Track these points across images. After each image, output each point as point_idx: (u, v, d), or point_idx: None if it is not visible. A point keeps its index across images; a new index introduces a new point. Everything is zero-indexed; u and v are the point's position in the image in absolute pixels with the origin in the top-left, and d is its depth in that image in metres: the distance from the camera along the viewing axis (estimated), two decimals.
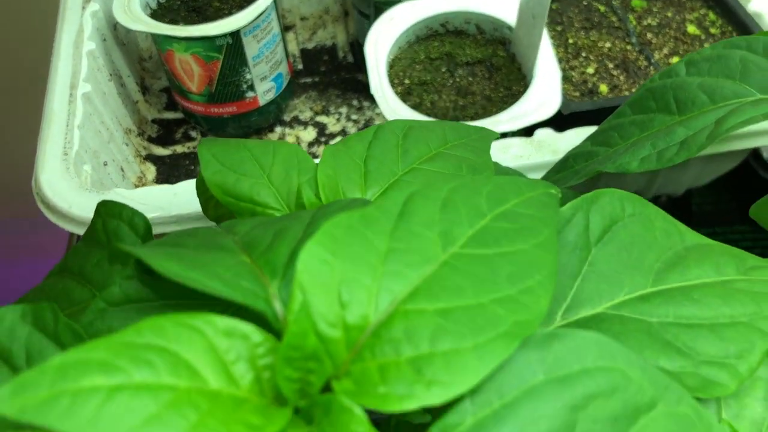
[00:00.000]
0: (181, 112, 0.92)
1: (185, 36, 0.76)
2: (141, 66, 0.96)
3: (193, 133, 0.91)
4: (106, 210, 0.46)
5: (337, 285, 0.30)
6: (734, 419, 0.36)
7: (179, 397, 0.27)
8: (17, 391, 0.26)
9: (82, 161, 0.69)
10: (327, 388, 0.29)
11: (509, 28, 0.78)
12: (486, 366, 0.28)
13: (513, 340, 0.28)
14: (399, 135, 0.49)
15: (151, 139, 0.90)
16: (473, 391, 0.28)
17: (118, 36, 0.88)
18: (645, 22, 0.84)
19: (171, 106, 0.94)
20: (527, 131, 0.70)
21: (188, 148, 0.89)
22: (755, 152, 0.81)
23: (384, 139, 0.47)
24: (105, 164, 0.74)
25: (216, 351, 0.28)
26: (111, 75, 0.83)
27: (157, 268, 0.30)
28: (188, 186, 0.64)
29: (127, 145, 0.83)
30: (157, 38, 0.80)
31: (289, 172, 0.44)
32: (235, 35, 0.79)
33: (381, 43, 0.77)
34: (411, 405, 0.27)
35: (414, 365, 0.28)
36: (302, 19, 1.03)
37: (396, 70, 0.78)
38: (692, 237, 0.42)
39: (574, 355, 0.29)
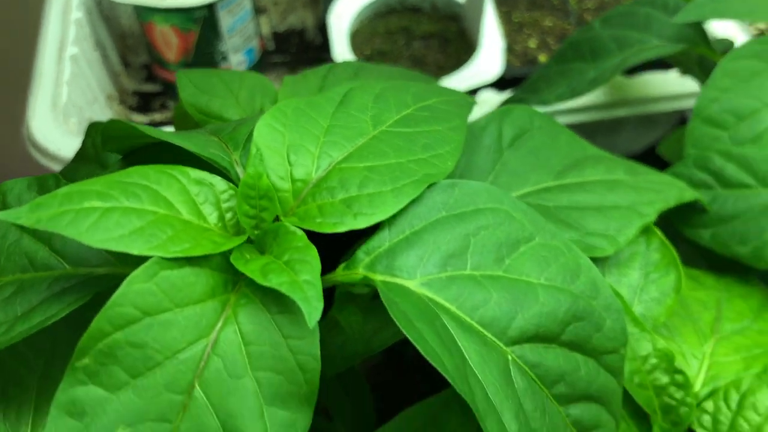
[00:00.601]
0: (160, 84, 0.99)
1: (165, 7, 0.84)
2: (123, 42, 1.03)
3: (171, 104, 0.98)
4: (95, 128, 0.53)
5: (286, 149, 0.38)
6: (615, 284, 0.44)
7: (158, 219, 0.34)
8: (33, 209, 0.33)
9: (69, 114, 0.76)
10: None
11: (460, 5, 0.87)
12: (401, 201, 0.35)
13: (422, 184, 0.36)
14: (351, 73, 0.56)
15: (131, 108, 0.97)
16: (390, 224, 0.36)
17: (102, 11, 0.95)
18: (584, 6, 0.93)
19: (150, 80, 1.02)
20: (473, 93, 0.78)
21: (166, 117, 0.96)
22: (683, 119, 0.90)
23: (338, 74, 0.55)
24: (90, 121, 0.82)
25: (188, 193, 0.36)
26: (96, 45, 0.90)
27: (146, 132, 0.37)
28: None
29: (109, 109, 0.91)
30: (139, 10, 0.87)
31: (254, 95, 0.52)
32: (211, 8, 0.86)
33: (344, 16, 0.85)
34: (342, 228, 0.35)
35: (345, 203, 0.36)
36: (275, 3, 1.11)
37: (357, 41, 0.86)
38: (593, 150, 0.50)
39: (469, 197, 0.36)
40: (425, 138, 0.39)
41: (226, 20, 0.89)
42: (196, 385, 0.32)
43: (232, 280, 0.35)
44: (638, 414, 0.42)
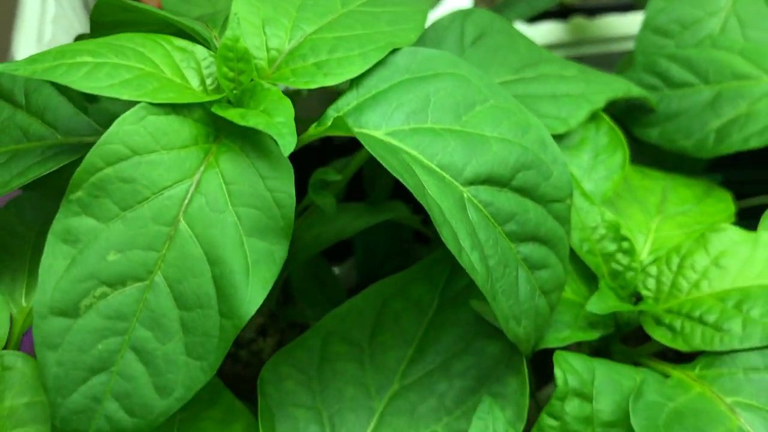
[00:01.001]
0: None
1: None
2: None
3: None
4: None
5: (261, 22, 0.41)
6: (570, 167, 0.48)
7: (145, 74, 0.37)
8: (30, 62, 0.36)
9: None
10: None
11: None
12: (367, 63, 0.39)
13: (387, 50, 0.40)
14: None
15: None
16: (358, 84, 0.39)
17: None
18: None
19: None
20: None
21: None
22: None
23: None
24: None
25: (172, 57, 0.39)
26: None
27: (137, 6, 0.40)
28: None
29: None
30: None
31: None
32: None
33: None
34: (313, 85, 0.38)
35: (316, 66, 0.39)
36: None
37: None
38: (549, 54, 0.54)
39: (430, 62, 0.40)
40: (390, 16, 0.43)
41: None
42: (181, 219, 0.36)
43: (213, 133, 0.38)
44: (588, 277, 0.46)
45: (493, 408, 0.38)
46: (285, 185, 0.37)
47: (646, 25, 0.56)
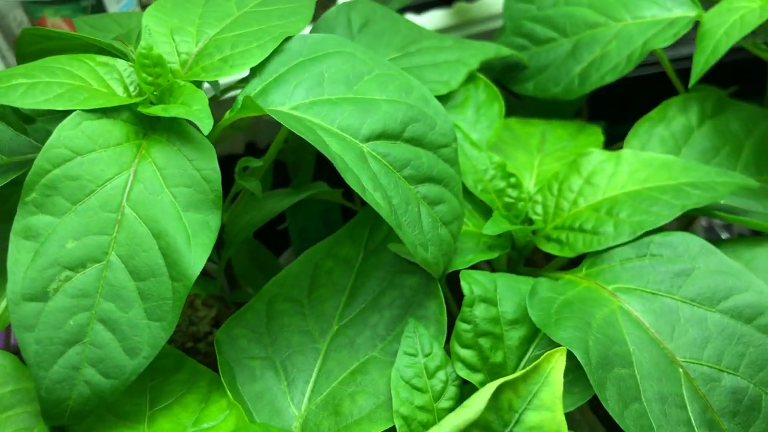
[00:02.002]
0: None
1: None
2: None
3: None
4: None
5: (170, 32, 0.47)
6: (455, 122, 0.55)
7: (75, 87, 0.43)
8: None
9: None
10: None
11: None
12: (265, 52, 0.46)
13: (280, 38, 0.46)
14: None
15: None
16: (260, 71, 0.46)
17: None
18: None
19: None
20: None
21: None
22: None
23: None
24: None
25: (96, 72, 0.45)
26: None
27: (59, 33, 0.46)
28: None
29: None
30: (29, 7, 0.95)
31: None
32: None
33: None
34: (221, 76, 0.45)
35: (222, 60, 0.46)
36: None
37: None
38: (428, 31, 0.62)
39: (320, 45, 0.47)
40: (280, 12, 0.49)
41: (112, 7, 0.97)
42: (125, 204, 0.41)
43: (141, 131, 0.44)
44: (486, 212, 0.53)
45: (417, 327, 0.45)
46: (209, 164, 0.43)
47: None
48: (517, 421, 0.35)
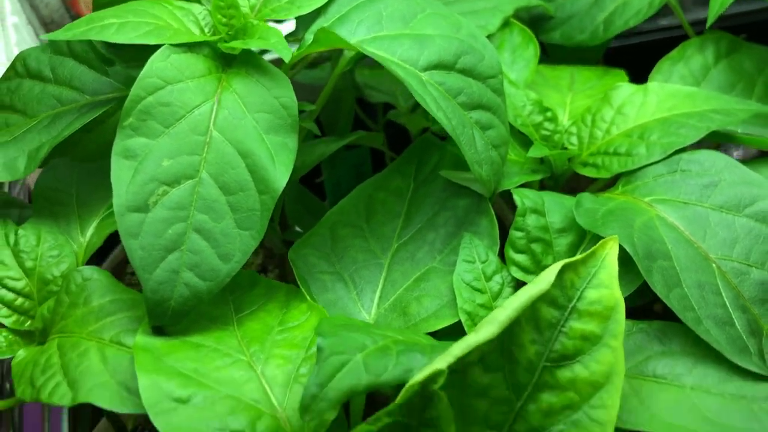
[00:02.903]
0: None
1: None
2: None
3: None
4: None
5: None
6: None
7: (159, 26, 0.47)
8: (68, 29, 0.46)
9: None
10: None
11: None
12: None
13: None
14: None
15: None
16: (324, 11, 0.51)
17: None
18: None
19: None
20: None
21: None
22: None
23: None
24: None
25: (174, 14, 0.49)
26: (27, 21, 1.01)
27: None
28: None
29: None
30: None
31: None
32: None
33: None
34: (290, 15, 0.49)
35: (289, 2, 0.50)
36: None
37: None
38: None
39: None
40: None
41: None
42: (212, 128, 0.46)
43: (221, 66, 0.48)
44: (526, 144, 0.58)
45: (473, 239, 0.50)
46: (286, 92, 0.47)
47: None
48: (579, 297, 0.39)
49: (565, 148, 0.57)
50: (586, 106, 0.59)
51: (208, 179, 0.45)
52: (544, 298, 0.39)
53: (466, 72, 0.50)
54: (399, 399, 0.35)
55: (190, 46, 0.47)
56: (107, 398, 0.42)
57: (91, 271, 0.48)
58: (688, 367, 0.43)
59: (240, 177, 0.45)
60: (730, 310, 0.44)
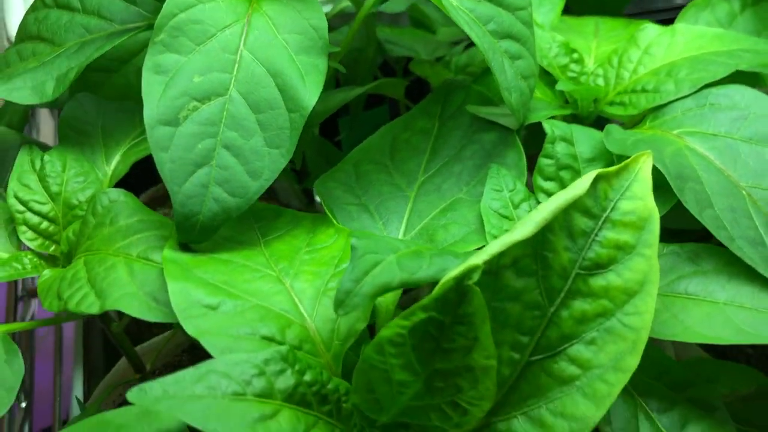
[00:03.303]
0: None
1: None
2: None
3: None
4: None
5: None
6: None
7: None
8: None
9: None
10: None
11: None
12: None
13: None
14: None
15: None
16: None
17: None
18: None
19: None
20: None
21: None
22: None
23: None
24: None
25: None
26: None
27: None
28: None
29: None
30: None
31: None
32: None
33: None
34: None
35: None
36: None
37: None
38: None
39: None
40: None
41: None
42: (242, 48, 0.46)
43: None
44: (552, 84, 0.58)
45: (500, 170, 0.49)
46: (317, 14, 0.47)
47: None
48: (613, 208, 0.39)
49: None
50: (612, 49, 0.59)
51: (238, 97, 0.45)
52: (578, 206, 0.39)
53: (495, 1, 0.50)
54: (434, 294, 0.34)
55: None
56: (135, 307, 0.42)
57: (117, 193, 0.48)
58: (721, 284, 0.42)
59: (270, 96, 0.45)
60: (761, 232, 0.44)
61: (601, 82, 0.57)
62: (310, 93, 0.45)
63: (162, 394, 0.31)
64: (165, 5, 0.45)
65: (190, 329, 0.39)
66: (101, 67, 0.57)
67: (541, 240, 0.38)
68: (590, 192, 0.39)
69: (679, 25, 0.57)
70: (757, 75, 0.56)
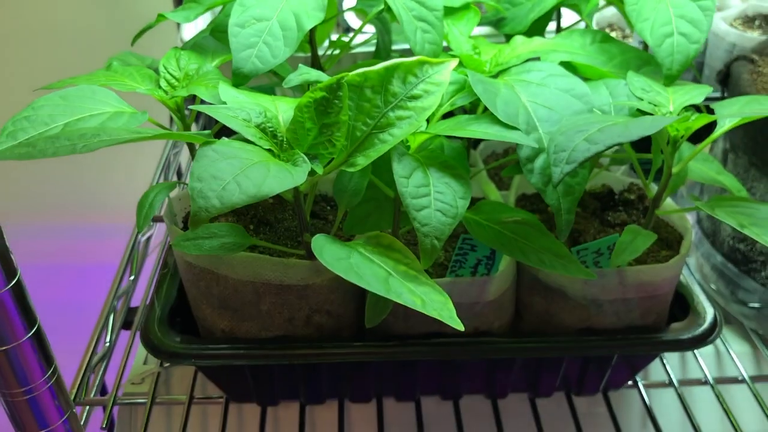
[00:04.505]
0: None
1: None
2: None
3: None
4: None
5: None
6: None
7: None
8: None
9: None
10: None
11: None
12: None
13: None
14: None
15: None
16: None
17: None
18: None
19: None
20: None
21: None
22: None
23: None
24: None
25: None
26: None
27: None
28: None
29: None
30: None
31: None
32: None
33: None
34: None
35: None
36: None
37: None
38: None
39: None
40: None
41: None
42: (284, 2, 0.93)
43: None
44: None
45: None
46: None
47: None
48: (427, 75, 0.80)
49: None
50: (500, 48, 1.02)
51: (275, 22, 0.91)
52: (410, 69, 0.81)
53: (421, 2, 0.95)
54: (326, 82, 0.77)
55: None
56: None
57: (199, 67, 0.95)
58: (478, 121, 0.82)
59: (290, 23, 0.91)
60: (525, 119, 0.84)
61: (486, 59, 0.99)
62: (309, 23, 0.91)
63: None
64: None
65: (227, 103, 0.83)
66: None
67: (386, 76, 0.80)
68: (416, 65, 0.81)
69: (536, 38, 0.99)
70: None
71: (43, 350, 0.88)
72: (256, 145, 0.75)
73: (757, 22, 1.61)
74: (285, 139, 0.79)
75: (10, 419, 0.91)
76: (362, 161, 0.77)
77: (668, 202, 1.00)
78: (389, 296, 0.68)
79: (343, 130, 0.77)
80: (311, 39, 1.03)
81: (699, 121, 0.78)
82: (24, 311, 0.84)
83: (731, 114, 0.79)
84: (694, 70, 1.11)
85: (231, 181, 0.66)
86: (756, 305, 1.22)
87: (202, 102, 0.88)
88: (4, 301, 0.81)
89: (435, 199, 0.74)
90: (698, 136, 0.85)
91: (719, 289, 1.30)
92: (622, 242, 0.80)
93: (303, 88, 0.97)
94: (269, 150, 0.77)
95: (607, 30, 1.58)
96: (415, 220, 0.73)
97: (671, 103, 0.85)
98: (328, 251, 0.73)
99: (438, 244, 0.72)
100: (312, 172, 0.75)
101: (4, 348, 0.84)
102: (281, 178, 0.69)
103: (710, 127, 0.81)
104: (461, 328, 0.67)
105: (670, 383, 1.14)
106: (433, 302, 0.69)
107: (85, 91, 0.86)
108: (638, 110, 0.85)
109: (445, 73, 0.80)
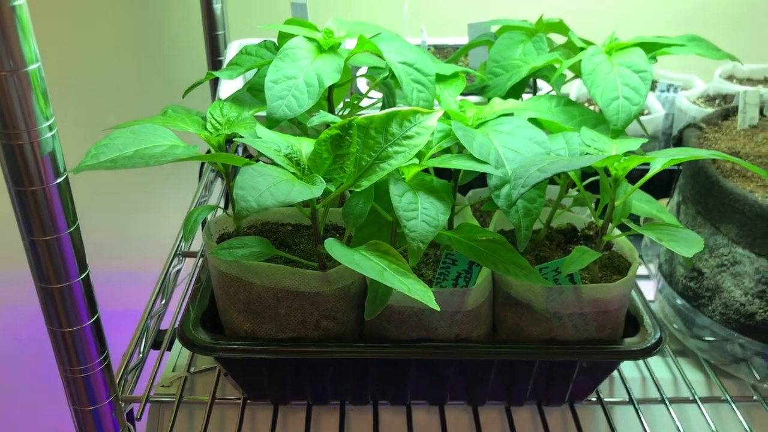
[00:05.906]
0: None
1: None
2: None
3: None
4: None
5: None
6: None
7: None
8: None
9: None
10: None
11: None
12: None
13: None
14: None
15: None
16: None
17: None
18: None
19: None
20: None
21: None
22: None
23: None
24: None
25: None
26: None
27: None
28: None
29: None
30: None
31: None
32: None
33: None
34: None
35: None
36: None
37: None
38: None
39: None
40: None
41: None
42: (309, 66, 1.17)
43: (318, 49, 1.20)
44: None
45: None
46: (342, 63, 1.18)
47: None
48: (417, 120, 1.03)
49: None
50: (482, 107, 1.25)
51: (301, 80, 1.15)
52: (405, 116, 1.04)
53: (415, 67, 1.19)
54: (338, 124, 1.00)
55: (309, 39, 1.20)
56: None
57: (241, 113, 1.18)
58: (466, 158, 1.04)
59: (313, 81, 1.15)
60: (494, 157, 1.06)
61: (470, 116, 1.22)
62: (328, 81, 1.15)
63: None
64: (280, 44, 1.17)
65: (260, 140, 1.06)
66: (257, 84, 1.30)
67: (387, 120, 1.02)
68: (411, 113, 1.04)
69: (510, 100, 1.22)
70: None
71: (100, 337, 1.08)
72: (284, 168, 0.97)
73: (717, 101, 1.85)
74: (306, 166, 1.01)
75: (66, 393, 1.10)
76: (365, 183, 0.98)
77: (623, 239, 1.21)
78: (383, 281, 0.88)
79: (352, 160, 0.99)
80: (329, 97, 1.26)
81: (632, 161, 1.00)
82: (89, 300, 1.04)
83: (664, 155, 1.01)
84: (645, 131, 1.34)
85: (266, 191, 0.88)
86: (710, 339, 1.40)
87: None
88: (74, 289, 1.01)
89: (421, 212, 0.95)
90: (649, 183, 1.06)
91: (679, 327, 1.49)
92: (572, 256, 1.01)
93: (320, 132, 1.20)
94: (294, 173, 0.99)
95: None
96: (405, 227, 0.94)
97: (614, 150, 1.07)
98: (337, 250, 0.93)
99: (422, 246, 0.92)
100: (327, 191, 0.96)
101: (70, 329, 1.03)
102: (303, 191, 0.90)
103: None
104: (437, 308, 0.87)
105: (630, 401, 1.32)
106: (417, 290, 0.89)
107: (148, 128, 1.08)
108: (587, 155, 1.07)
109: (433, 119, 1.02)
